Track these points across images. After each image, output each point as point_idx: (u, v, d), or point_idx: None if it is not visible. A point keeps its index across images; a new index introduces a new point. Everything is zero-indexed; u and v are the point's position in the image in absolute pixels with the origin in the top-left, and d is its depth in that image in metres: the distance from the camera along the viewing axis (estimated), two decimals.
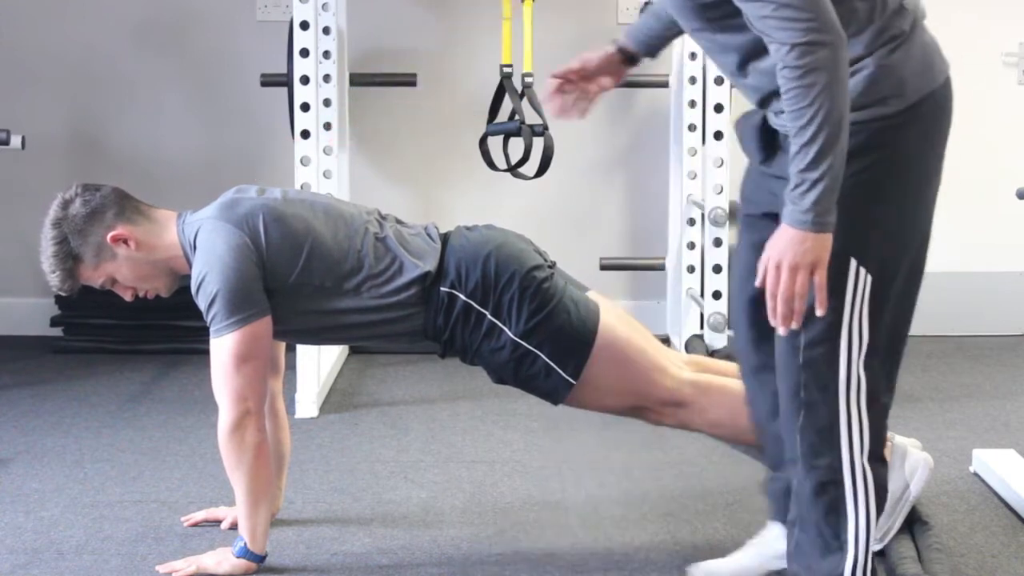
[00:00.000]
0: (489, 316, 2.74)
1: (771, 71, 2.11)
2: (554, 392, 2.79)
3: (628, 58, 2.59)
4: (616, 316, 2.86)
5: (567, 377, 2.75)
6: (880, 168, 2.16)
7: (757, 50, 2.16)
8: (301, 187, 3.96)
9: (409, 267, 2.76)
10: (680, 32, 2.48)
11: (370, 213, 2.88)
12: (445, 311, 2.76)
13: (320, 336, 2.91)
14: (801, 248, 2.07)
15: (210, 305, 2.65)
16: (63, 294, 2.83)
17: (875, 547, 2.41)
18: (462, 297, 2.74)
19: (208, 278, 2.65)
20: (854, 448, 2.24)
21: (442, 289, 2.76)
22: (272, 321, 2.70)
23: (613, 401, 2.84)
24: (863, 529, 2.27)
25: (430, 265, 2.77)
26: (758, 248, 2.19)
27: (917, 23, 2.21)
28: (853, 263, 2.15)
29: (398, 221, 2.91)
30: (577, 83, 2.59)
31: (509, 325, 2.73)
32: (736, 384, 2.89)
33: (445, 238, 2.85)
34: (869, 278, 2.17)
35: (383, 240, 2.80)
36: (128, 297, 2.83)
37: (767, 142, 2.29)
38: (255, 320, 2.65)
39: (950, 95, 2.24)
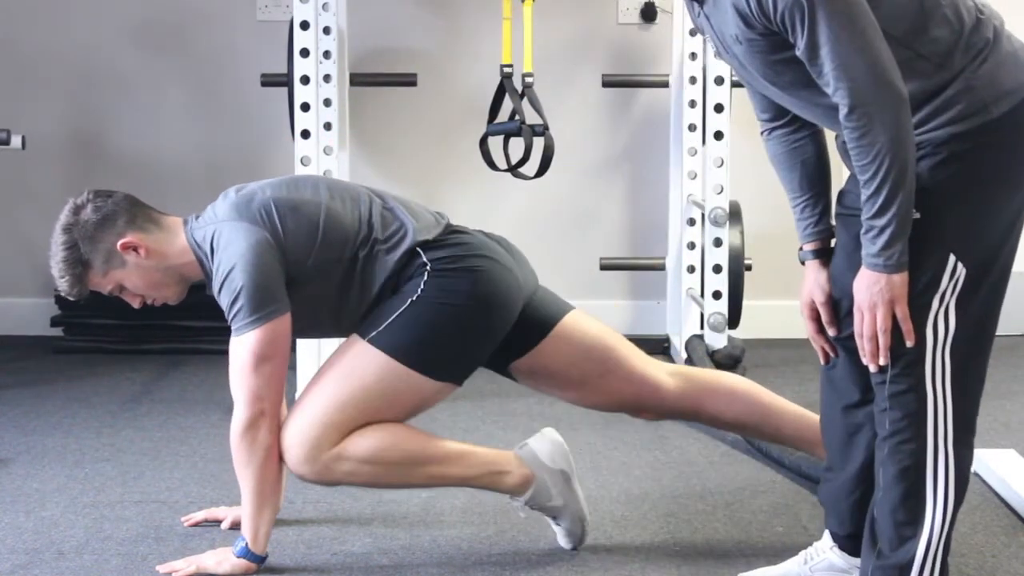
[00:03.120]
0: (428, 271, 2.73)
1: None
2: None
3: (826, 256, 2.46)
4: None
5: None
6: (987, 170, 2.23)
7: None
8: None
9: (413, 233, 2.77)
10: (826, 187, 2.47)
11: (374, 188, 2.90)
12: (406, 268, 2.75)
13: (337, 318, 2.85)
14: (876, 288, 2.19)
15: (233, 303, 2.64)
16: (72, 299, 2.83)
17: None
18: (423, 258, 2.75)
19: (232, 275, 2.64)
20: (939, 434, 2.26)
21: (424, 255, 2.75)
22: (292, 317, 2.69)
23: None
24: (940, 517, 2.28)
25: (432, 234, 2.77)
26: (855, 248, 2.29)
27: (998, 30, 2.27)
28: (952, 258, 2.22)
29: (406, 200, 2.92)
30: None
31: (420, 285, 2.72)
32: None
33: (458, 227, 2.86)
34: (964, 272, 2.23)
35: (390, 208, 2.81)
36: (136, 304, 2.83)
37: None
38: (276, 316, 2.65)
39: None
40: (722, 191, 4.48)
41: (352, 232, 2.75)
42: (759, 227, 4.84)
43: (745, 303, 4.65)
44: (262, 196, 2.76)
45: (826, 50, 2.10)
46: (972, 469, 3.34)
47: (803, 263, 2.49)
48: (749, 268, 4.67)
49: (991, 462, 3.32)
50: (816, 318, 2.44)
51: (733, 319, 4.58)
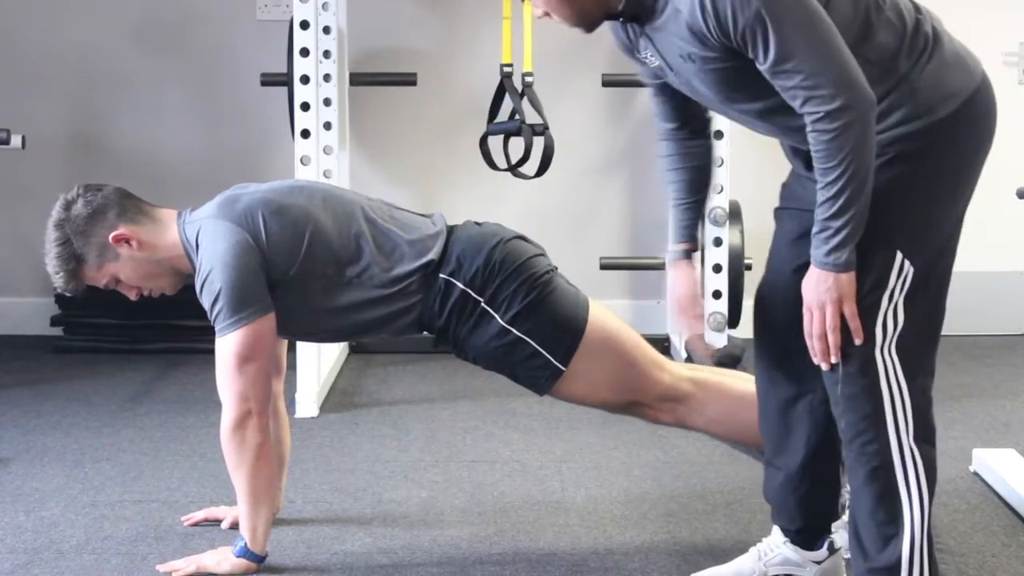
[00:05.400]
0: (483, 304, 2.73)
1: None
2: (543, 379, 2.76)
3: (690, 255, 2.63)
4: (611, 315, 2.86)
5: (557, 363, 2.74)
6: (934, 170, 2.25)
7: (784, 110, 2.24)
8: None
9: (411, 254, 2.76)
10: (705, 196, 2.61)
11: (372, 200, 2.88)
12: (442, 298, 2.75)
13: (325, 330, 2.88)
14: (824, 287, 2.20)
15: (213, 304, 2.65)
16: (68, 294, 2.83)
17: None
18: (460, 285, 2.74)
19: (211, 277, 2.65)
20: (900, 430, 2.27)
21: (441, 276, 2.75)
22: (278, 318, 2.70)
23: (609, 394, 2.82)
24: (917, 511, 2.28)
25: (433, 253, 2.76)
26: (797, 237, 2.39)
27: (937, 29, 2.29)
28: (899, 256, 2.23)
29: (402, 209, 2.90)
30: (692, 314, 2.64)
31: (500, 312, 2.72)
32: (734, 381, 2.90)
33: (451, 228, 2.85)
34: (911, 270, 2.24)
35: (384, 227, 2.79)
36: (133, 296, 2.83)
37: (807, 156, 2.35)
38: (258, 317, 2.65)
39: (990, 88, 2.33)
40: (722, 191, 4.48)
41: (337, 250, 2.73)
42: (759, 227, 4.82)
43: (745, 303, 4.64)
44: (251, 197, 2.76)
45: (793, 63, 2.11)
46: (972, 469, 3.39)
47: (670, 262, 2.59)
48: (749, 268, 4.67)
49: (991, 462, 3.32)
50: (687, 312, 2.56)
51: (733, 319, 4.58)
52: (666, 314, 5.03)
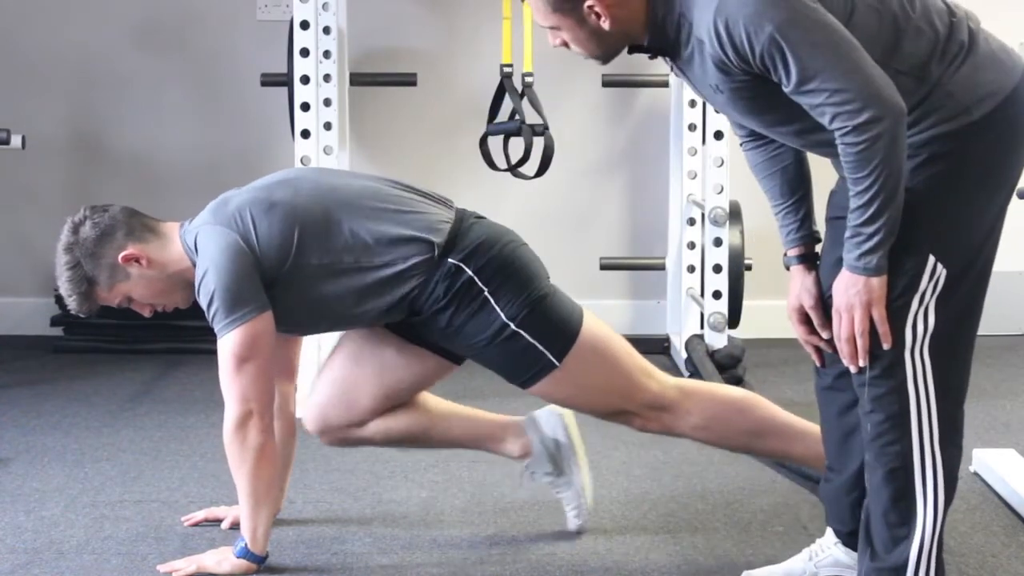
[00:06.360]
0: (487, 294, 2.73)
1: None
2: (533, 372, 2.76)
3: (810, 260, 2.48)
4: (603, 323, 2.87)
5: (551, 358, 2.74)
6: (968, 171, 2.23)
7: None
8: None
9: (411, 237, 2.73)
10: (807, 192, 2.47)
11: (375, 182, 2.85)
12: (448, 282, 2.73)
13: (327, 319, 2.86)
14: (854, 290, 2.20)
15: (209, 306, 2.66)
16: (83, 315, 2.83)
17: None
18: (469, 272, 2.73)
19: (205, 280, 2.66)
20: (924, 433, 2.26)
21: (451, 260, 2.73)
22: (280, 314, 2.70)
23: (597, 400, 2.84)
24: (931, 517, 2.28)
25: (438, 235, 2.75)
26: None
27: (973, 31, 2.27)
28: (932, 259, 2.22)
29: (408, 188, 2.87)
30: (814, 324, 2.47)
31: (501, 305, 2.72)
32: (720, 388, 2.90)
33: (463, 215, 2.83)
34: (944, 272, 2.23)
35: (380, 209, 2.76)
36: (147, 313, 2.84)
37: None
38: (252, 317, 2.65)
39: None
40: (722, 191, 4.48)
41: (331, 242, 2.71)
42: (759, 227, 4.84)
43: (745, 303, 4.65)
44: (240, 198, 2.76)
45: (816, 82, 2.10)
46: (972, 469, 3.38)
47: (788, 268, 2.50)
48: (749, 268, 4.67)
49: (991, 462, 3.32)
50: (805, 322, 2.45)
51: (733, 319, 4.58)
52: (666, 314, 5.05)
